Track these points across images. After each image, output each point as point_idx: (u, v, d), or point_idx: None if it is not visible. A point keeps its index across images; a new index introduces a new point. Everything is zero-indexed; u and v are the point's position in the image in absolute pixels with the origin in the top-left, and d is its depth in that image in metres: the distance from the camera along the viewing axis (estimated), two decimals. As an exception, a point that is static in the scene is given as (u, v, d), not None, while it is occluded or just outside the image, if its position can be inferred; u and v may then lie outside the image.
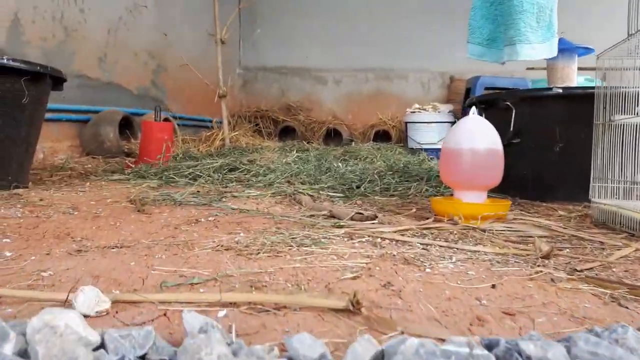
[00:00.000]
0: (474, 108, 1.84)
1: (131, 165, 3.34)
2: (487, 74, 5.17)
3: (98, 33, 4.34)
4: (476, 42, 2.69)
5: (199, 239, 1.32)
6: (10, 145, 2.06)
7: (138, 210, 1.75)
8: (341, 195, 2.41)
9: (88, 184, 2.59)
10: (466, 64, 6.39)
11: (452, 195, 2.26)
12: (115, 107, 4.35)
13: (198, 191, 2.43)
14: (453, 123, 5.43)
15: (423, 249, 1.26)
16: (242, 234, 1.38)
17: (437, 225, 1.57)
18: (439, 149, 5.55)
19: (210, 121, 5.82)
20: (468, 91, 5.36)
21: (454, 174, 1.78)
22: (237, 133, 5.36)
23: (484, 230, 1.55)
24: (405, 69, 6.47)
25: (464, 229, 1.56)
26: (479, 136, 1.75)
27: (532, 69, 5.95)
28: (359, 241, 1.33)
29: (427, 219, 1.77)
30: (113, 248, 1.19)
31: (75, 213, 1.70)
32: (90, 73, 4.26)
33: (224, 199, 2.16)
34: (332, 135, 6.33)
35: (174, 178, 2.83)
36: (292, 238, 1.32)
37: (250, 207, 1.98)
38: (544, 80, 5.47)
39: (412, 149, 5.32)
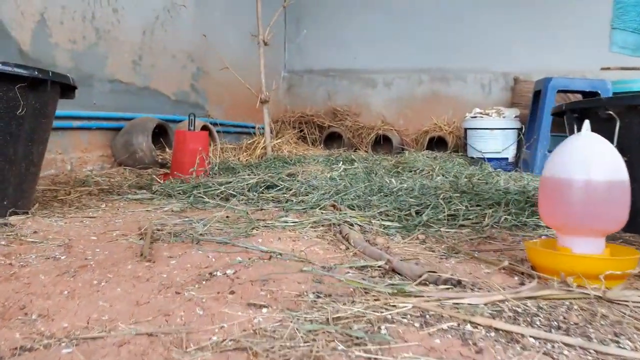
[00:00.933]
0: (587, 123, 1.35)
1: (159, 180, 3.01)
2: (555, 75, 4.57)
3: (132, 34, 4.06)
4: (632, 28, 2.03)
5: (202, 321, 0.91)
6: (4, 164, 1.73)
7: (141, 254, 1.37)
8: (398, 225, 1.96)
9: (104, 205, 2.26)
10: (532, 63, 5.79)
11: (548, 236, 1.77)
12: (151, 114, 4.06)
13: (227, 217, 2.04)
14: (520, 130, 4.86)
15: (545, 353, 0.80)
16: (265, 311, 0.96)
17: (543, 292, 1.10)
18: (503, 159, 4.99)
19: (254, 127, 5.49)
20: (537, 94, 4.77)
21: (560, 214, 1.29)
22: (279, 141, 4.99)
23: (610, 301, 1.08)
24: (463, 70, 5.92)
25: (584, 299, 1.08)
26: (597, 162, 1.27)
27: (608, 69, 5.28)
28: (439, 330, 0.88)
29: (522, 273, 1.30)
30: (70, 341, 0.80)
31: (63, 257, 1.34)
32: (124, 77, 3.99)
33: (254, 230, 1.76)
34: (382, 142, 5.86)
35: (203, 198, 2.46)
36: (336, 321, 0.89)
37: (284, 245, 1.56)
38: (626, 82, 4.81)
39: (473, 158, 4.79)
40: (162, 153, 4.00)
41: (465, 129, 5.01)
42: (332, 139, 6.08)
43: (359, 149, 5.80)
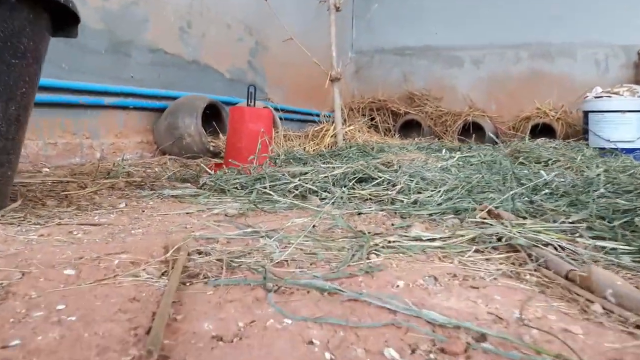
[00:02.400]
0: None
1: (209, 171, 2.25)
2: None
3: (180, -5, 3.34)
4: None
5: None
6: None
7: (147, 349, 0.56)
8: (626, 247, 1.07)
9: (124, 204, 1.49)
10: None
11: None
12: (200, 94, 3.31)
13: (314, 226, 1.22)
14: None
15: None
16: None
17: None
18: (636, 149, 3.94)
19: (318, 115, 4.68)
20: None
21: None
22: (351, 128, 4.15)
23: None
24: (571, 44, 4.86)
25: None
26: None
27: None
28: None
29: None
30: None
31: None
32: (169, 47, 3.27)
33: (373, 256, 0.93)
34: (471, 131, 4.90)
35: (270, 195, 1.65)
36: None
37: (460, 302, 0.72)
38: None
39: (597, 148, 3.76)
40: (215, 139, 3.25)
41: (586, 112, 3.99)
42: (408, 128, 5.18)
43: (443, 139, 4.87)
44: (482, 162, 2.36)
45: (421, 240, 1.09)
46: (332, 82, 3.88)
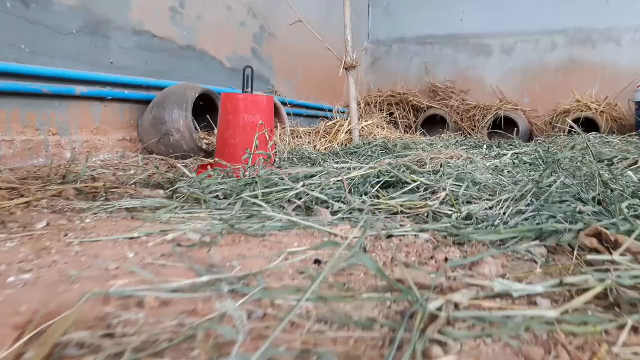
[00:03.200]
0: None
1: (190, 174, 1.77)
2: None
3: (170, -30, 2.89)
4: None
5: None
6: None
7: None
8: None
9: (45, 224, 1.02)
10: None
11: None
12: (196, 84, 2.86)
13: (319, 264, 0.74)
14: None
15: None
16: None
17: None
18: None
19: (331, 110, 4.20)
20: None
21: None
22: (369, 123, 3.66)
23: None
24: (615, 28, 4.30)
25: None
26: None
27: None
28: None
29: None
30: None
31: None
32: (158, 30, 2.81)
33: (436, 353, 0.45)
34: (502, 127, 4.38)
35: (260, 207, 1.18)
36: None
37: None
38: None
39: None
40: (210, 136, 2.79)
41: (639, 103, 3.45)
42: (431, 124, 4.67)
43: (471, 136, 4.35)
44: (543, 161, 1.85)
45: (512, 299, 0.61)
46: (346, 70, 3.40)
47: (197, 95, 2.62)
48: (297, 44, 4.15)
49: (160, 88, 2.74)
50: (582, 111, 4.17)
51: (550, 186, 1.27)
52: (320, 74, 4.49)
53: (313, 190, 1.26)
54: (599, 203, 1.22)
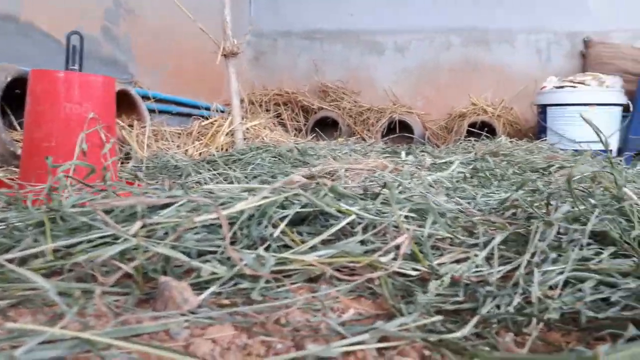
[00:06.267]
0: None
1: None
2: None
3: None
4: None
5: None
6: None
7: None
8: None
9: None
10: (611, 19, 4.03)
11: None
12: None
13: None
14: (626, 108, 3.17)
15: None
16: None
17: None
18: (602, 151, 3.29)
19: (208, 108, 3.53)
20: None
21: None
22: (255, 124, 3.06)
23: None
24: (510, 29, 4.17)
25: None
26: None
27: None
28: None
29: None
30: None
31: None
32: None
33: None
34: (397, 130, 4.03)
35: (34, 288, 0.53)
36: None
37: None
38: None
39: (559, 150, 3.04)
40: (31, 137, 1.99)
41: (543, 107, 3.28)
42: (322, 127, 4.20)
43: (365, 140, 3.95)
44: (490, 173, 1.39)
45: None
46: (226, 58, 2.77)
47: (9, 80, 1.83)
48: (167, 27, 3.43)
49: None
50: (478, 115, 3.97)
51: (580, 220, 0.78)
52: (195, 65, 3.80)
53: (157, 245, 0.63)
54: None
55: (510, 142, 2.69)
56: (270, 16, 4.73)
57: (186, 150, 2.49)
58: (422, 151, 2.33)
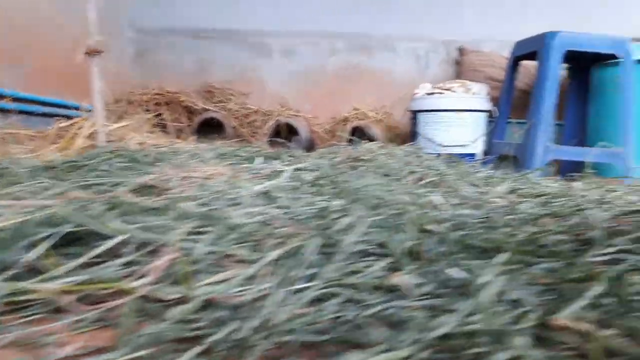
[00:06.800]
0: None
1: None
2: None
3: None
4: None
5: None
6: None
7: None
8: None
9: None
10: (483, 28, 4.34)
11: None
12: None
13: None
14: (490, 114, 3.39)
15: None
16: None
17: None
18: (469, 155, 3.46)
19: (77, 108, 3.30)
20: (517, 62, 3.35)
21: None
22: (123, 125, 2.89)
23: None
24: (391, 36, 4.32)
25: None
26: None
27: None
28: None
29: None
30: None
31: None
32: None
33: None
34: (282, 134, 4.03)
35: None
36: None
37: None
38: None
39: (430, 154, 3.19)
40: None
41: (415, 112, 3.41)
42: (208, 129, 4.09)
43: (252, 143, 3.90)
44: (331, 180, 1.39)
45: None
46: (89, 56, 2.59)
47: None
48: (26, 19, 3.15)
49: None
50: (361, 119, 4.06)
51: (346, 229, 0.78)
52: (66, 63, 3.53)
53: None
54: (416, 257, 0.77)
55: (380, 146, 2.76)
56: (153, 11, 4.53)
57: (38, 154, 2.29)
58: (291, 156, 2.32)
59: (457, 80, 3.41)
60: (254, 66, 4.44)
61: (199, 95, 4.35)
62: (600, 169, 2.96)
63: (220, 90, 4.35)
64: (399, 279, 0.65)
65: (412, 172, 2.01)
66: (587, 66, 3.33)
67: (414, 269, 0.70)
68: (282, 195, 1.10)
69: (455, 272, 0.66)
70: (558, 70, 2.89)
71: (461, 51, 4.19)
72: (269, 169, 1.45)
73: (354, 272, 0.69)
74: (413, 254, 0.76)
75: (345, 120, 4.14)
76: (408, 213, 0.92)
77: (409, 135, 3.57)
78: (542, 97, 2.87)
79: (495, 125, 3.38)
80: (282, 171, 1.37)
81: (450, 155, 3.06)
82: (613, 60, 2.99)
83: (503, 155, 3.19)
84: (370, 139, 3.70)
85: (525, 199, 1.35)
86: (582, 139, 3.36)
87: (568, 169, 2.89)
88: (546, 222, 1.01)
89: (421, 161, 2.41)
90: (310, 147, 3.99)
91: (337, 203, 1.03)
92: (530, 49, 3.06)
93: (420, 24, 4.29)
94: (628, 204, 1.56)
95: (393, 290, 0.65)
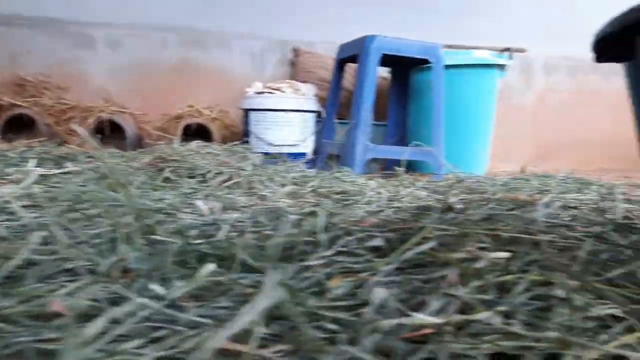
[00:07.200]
0: None
1: None
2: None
3: None
4: None
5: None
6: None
7: None
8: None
9: None
10: (315, 30, 4.45)
11: None
12: None
13: None
14: (319, 114, 3.46)
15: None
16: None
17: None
18: (300, 154, 3.49)
19: None
20: (342, 64, 3.45)
21: None
22: None
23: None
24: (226, 33, 4.21)
25: None
26: None
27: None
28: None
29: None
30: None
31: None
32: None
33: None
34: (110, 132, 3.71)
35: None
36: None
37: None
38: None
39: (261, 153, 3.15)
40: None
41: (247, 111, 3.36)
42: (20, 127, 3.61)
43: (69, 142, 3.53)
44: (91, 183, 1.24)
45: None
46: None
47: None
48: None
49: None
50: (195, 117, 3.90)
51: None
52: None
53: None
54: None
55: (202, 145, 2.64)
56: (-50, -9, 3.90)
57: None
58: (89, 157, 2.10)
59: (286, 81, 3.42)
60: (76, 58, 4.03)
61: (8, 88, 3.83)
62: (417, 166, 3.16)
63: (33, 83, 3.87)
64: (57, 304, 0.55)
65: (219, 173, 1.93)
66: (407, 70, 3.55)
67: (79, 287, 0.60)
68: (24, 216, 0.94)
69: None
70: (376, 73, 3.02)
71: (296, 52, 4.23)
72: (21, 174, 1.25)
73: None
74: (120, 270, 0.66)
75: (179, 117, 3.93)
76: (135, 223, 0.82)
77: (243, 134, 3.50)
78: (362, 98, 2.99)
79: (323, 125, 3.45)
80: (33, 176, 1.18)
81: (280, 154, 3.05)
82: (427, 65, 3.22)
83: (330, 154, 3.27)
84: (205, 138, 3.56)
85: (319, 199, 1.34)
86: (403, 138, 3.57)
87: (391, 167, 3.04)
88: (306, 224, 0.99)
89: (238, 161, 2.34)
90: (137, 145, 3.73)
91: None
92: (352, 52, 3.16)
93: (255, 23, 4.25)
94: (416, 199, 1.64)
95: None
